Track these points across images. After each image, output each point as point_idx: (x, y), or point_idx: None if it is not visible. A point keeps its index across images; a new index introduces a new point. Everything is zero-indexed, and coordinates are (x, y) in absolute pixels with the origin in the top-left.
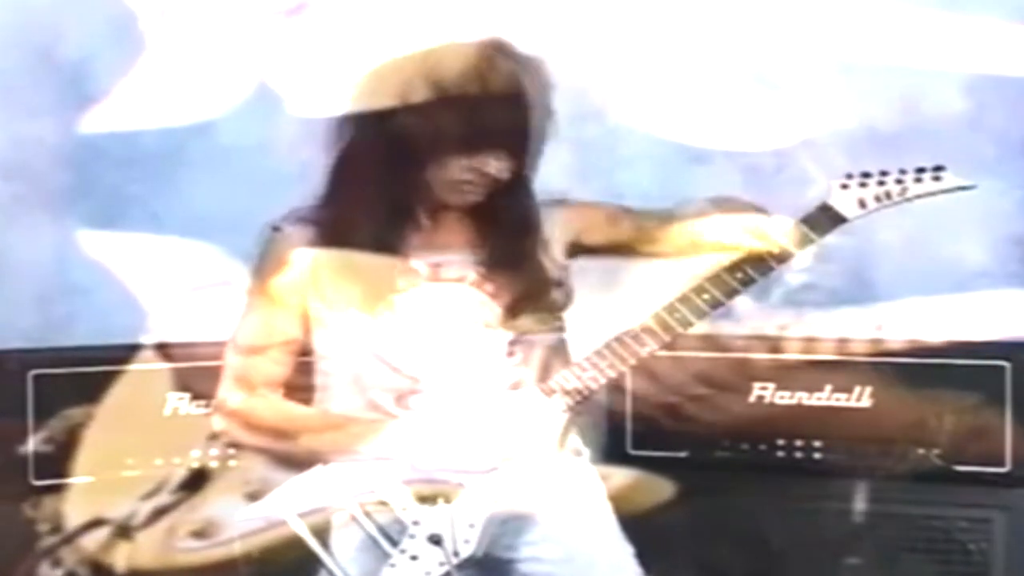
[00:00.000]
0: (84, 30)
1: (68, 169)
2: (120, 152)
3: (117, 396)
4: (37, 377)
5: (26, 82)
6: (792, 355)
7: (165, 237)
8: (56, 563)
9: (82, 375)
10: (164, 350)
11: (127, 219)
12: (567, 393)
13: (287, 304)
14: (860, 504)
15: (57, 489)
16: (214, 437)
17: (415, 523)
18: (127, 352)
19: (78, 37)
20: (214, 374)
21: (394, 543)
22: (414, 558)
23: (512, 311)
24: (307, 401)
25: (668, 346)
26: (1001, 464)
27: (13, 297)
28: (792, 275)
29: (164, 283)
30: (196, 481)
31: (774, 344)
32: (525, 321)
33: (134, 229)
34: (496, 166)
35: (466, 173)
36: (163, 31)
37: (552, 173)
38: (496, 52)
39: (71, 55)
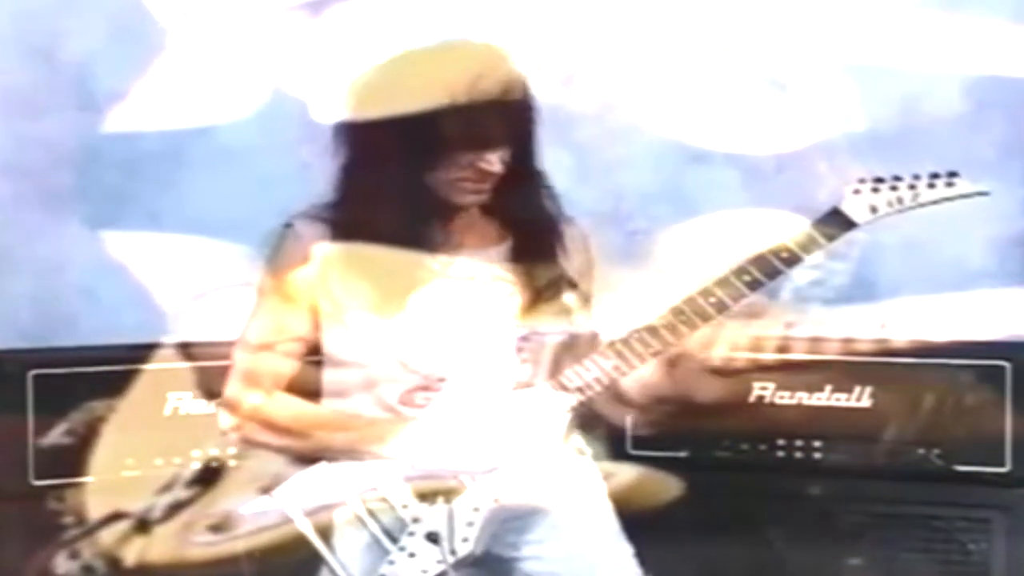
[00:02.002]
0: (85, 30)
1: (68, 169)
2: (120, 152)
3: (117, 396)
4: (37, 377)
5: (27, 82)
6: (792, 355)
7: (166, 236)
8: (73, 556)
9: (82, 375)
10: (165, 350)
11: (127, 219)
12: (572, 392)
13: (297, 301)
14: (860, 504)
15: (57, 488)
16: (225, 435)
17: (415, 521)
18: (127, 352)
19: (79, 37)
20: (217, 374)
21: (394, 540)
22: (412, 555)
23: (523, 310)
24: (315, 398)
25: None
26: (1001, 464)
27: (13, 297)
28: (801, 272)
29: (165, 283)
30: (211, 476)
31: (774, 344)
32: (536, 320)
33: (134, 229)
34: (496, 163)
35: (465, 171)
36: (168, 34)
37: (552, 173)
38: (496, 53)
39: (72, 55)
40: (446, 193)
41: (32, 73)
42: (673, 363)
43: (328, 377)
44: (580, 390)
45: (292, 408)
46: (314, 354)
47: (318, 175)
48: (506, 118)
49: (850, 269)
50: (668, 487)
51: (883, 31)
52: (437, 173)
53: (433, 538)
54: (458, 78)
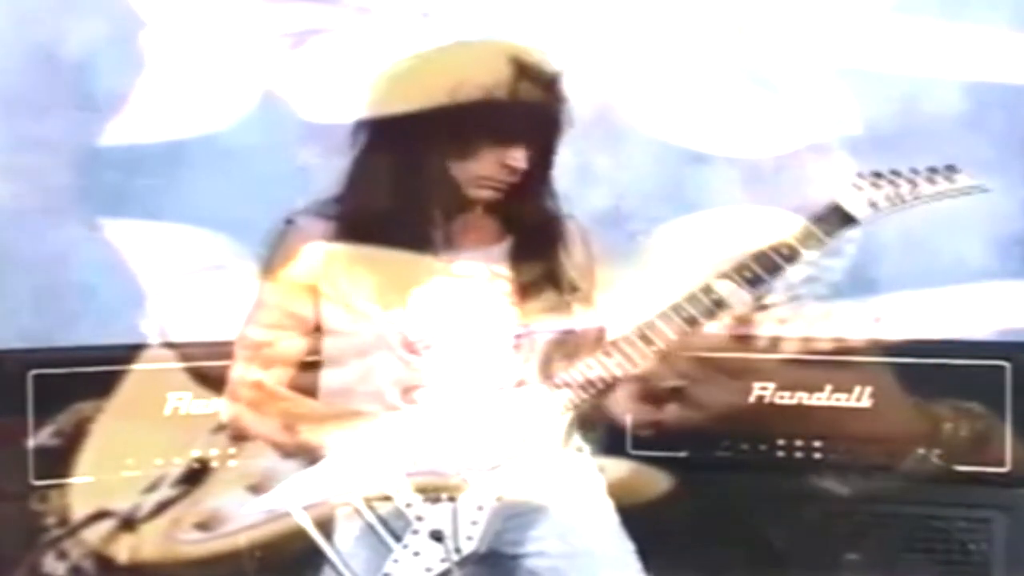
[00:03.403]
0: (85, 30)
1: (69, 169)
2: (120, 152)
3: (117, 396)
4: (37, 377)
5: (27, 82)
6: (792, 355)
7: (165, 236)
8: (61, 556)
9: (82, 375)
10: (164, 350)
11: (128, 219)
12: (572, 390)
13: (298, 297)
14: (860, 504)
15: (58, 487)
16: (219, 429)
17: (418, 519)
18: (127, 352)
19: (79, 37)
20: (217, 374)
21: (397, 538)
22: (416, 554)
23: (523, 309)
24: (314, 394)
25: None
26: (1001, 464)
27: (13, 296)
28: (795, 269)
29: (165, 281)
30: (198, 474)
31: (774, 343)
32: (536, 319)
33: (134, 229)
34: (523, 160)
35: (494, 168)
36: (166, 36)
37: (553, 173)
38: (524, 51)
39: (72, 55)
40: (468, 189)
41: (32, 73)
42: (674, 361)
43: (325, 376)
44: (580, 388)
45: (292, 407)
46: (313, 352)
47: (317, 175)
48: (537, 116)
49: (845, 266)
50: (659, 482)
51: (884, 35)
52: (463, 168)
53: (437, 536)
54: (490, 74)
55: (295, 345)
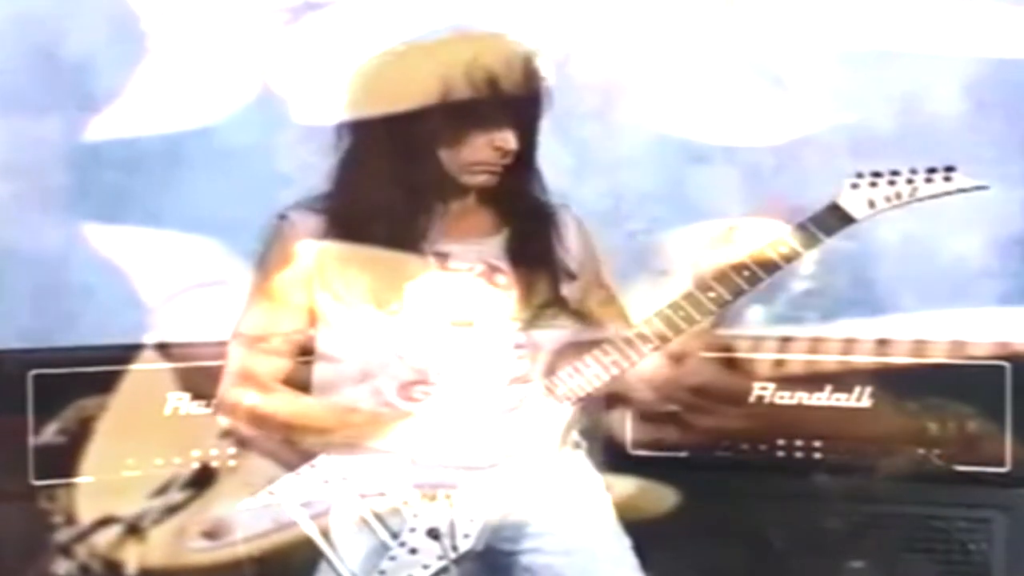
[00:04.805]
0: (85, 30)
1: (68, 169)
2: (120, 152)
3: (117, 396)
4: (37, 377)
5: (27, 82)
6: (793, 356)
7: (165, 234)
8: (68, 558)
9: (82, 375)
10: (164, 350)
11: (127, 219)
12: (571, 387)
13: (292, 294)
14: (860, 504)
15: (61, 487)
16: (225, 435)
17: (415, 516)
18: (127, 352)
19: (79, 37)
20: (216, 374)
21: (395, 536)
22: (413, 551)
23: (521, 301)
24: (309, 392)
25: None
26: (1001, 464)
27: (13, 296)
28: (797, 282)
29: (164, 282)
30: (205, 479)
31: (775, 345)
32: (534, 313)
33: (134, 229)
34: (513, 141)
35: (484, 152)
36: (165, 35)
37: (552, 173)
38: (508, 41)
39: (72, 55)
40: (460, 175)
41: (32, 73)
42: (673, 359)
43: (319, 373)
44: (579, 386)
45: (289, 403)
46: (309, 349)
47: (318, 175)
48: (518, 100)
49: (844, 274)
50: (666, 499)
51: (886, 17)
52: (453, 155)
53: (434, 534)
54: (472, 60)
55: (289, 342)
